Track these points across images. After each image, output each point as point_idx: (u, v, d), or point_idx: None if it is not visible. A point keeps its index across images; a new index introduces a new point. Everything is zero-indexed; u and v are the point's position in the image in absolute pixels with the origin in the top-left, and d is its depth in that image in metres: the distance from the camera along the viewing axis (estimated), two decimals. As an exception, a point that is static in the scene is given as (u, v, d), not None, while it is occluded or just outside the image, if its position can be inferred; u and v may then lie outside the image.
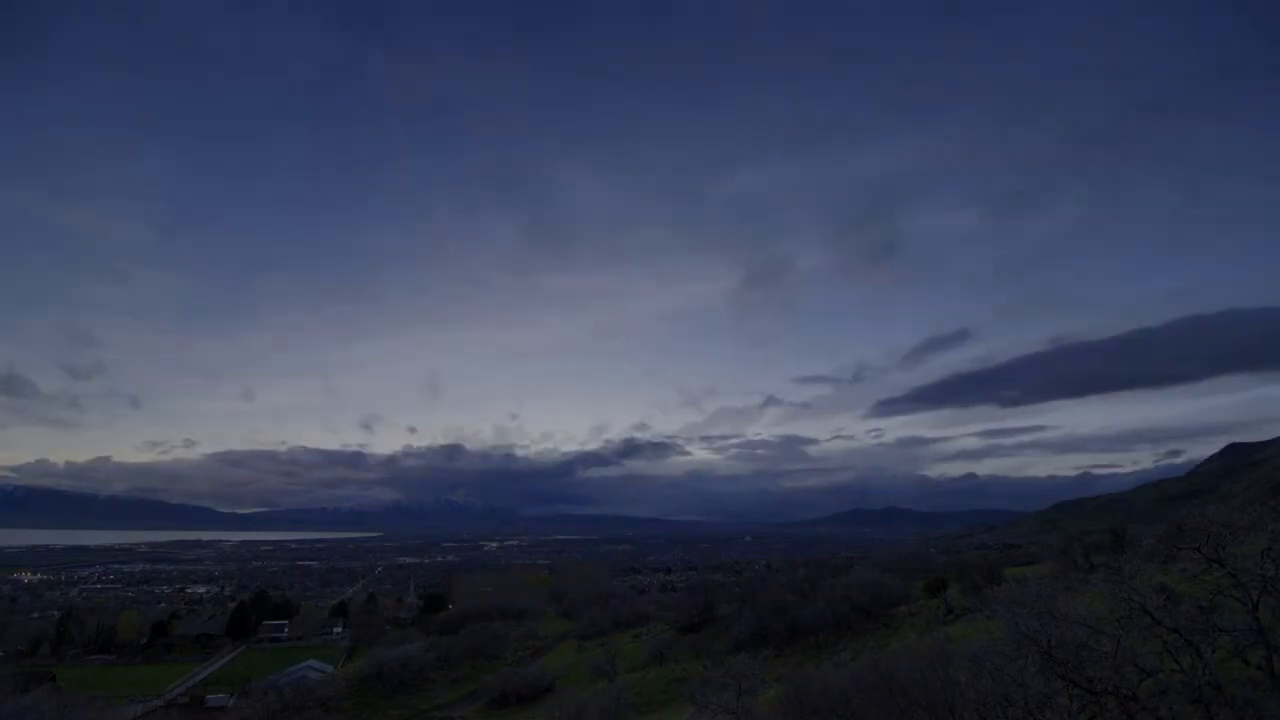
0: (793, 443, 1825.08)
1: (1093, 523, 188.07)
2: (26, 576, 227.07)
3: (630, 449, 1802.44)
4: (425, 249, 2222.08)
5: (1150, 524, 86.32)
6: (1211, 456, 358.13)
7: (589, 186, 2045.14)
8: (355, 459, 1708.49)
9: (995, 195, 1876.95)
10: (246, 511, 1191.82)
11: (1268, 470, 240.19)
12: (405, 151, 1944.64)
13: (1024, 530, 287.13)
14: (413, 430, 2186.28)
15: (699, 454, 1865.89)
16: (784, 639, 53.56)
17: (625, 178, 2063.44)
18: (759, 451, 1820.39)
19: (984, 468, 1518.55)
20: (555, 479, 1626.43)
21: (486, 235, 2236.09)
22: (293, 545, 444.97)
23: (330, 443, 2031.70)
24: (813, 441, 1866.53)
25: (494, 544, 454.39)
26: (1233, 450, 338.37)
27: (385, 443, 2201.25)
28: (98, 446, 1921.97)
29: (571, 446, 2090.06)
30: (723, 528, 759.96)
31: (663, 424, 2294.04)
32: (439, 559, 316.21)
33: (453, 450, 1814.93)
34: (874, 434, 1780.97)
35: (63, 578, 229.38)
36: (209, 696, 75.22)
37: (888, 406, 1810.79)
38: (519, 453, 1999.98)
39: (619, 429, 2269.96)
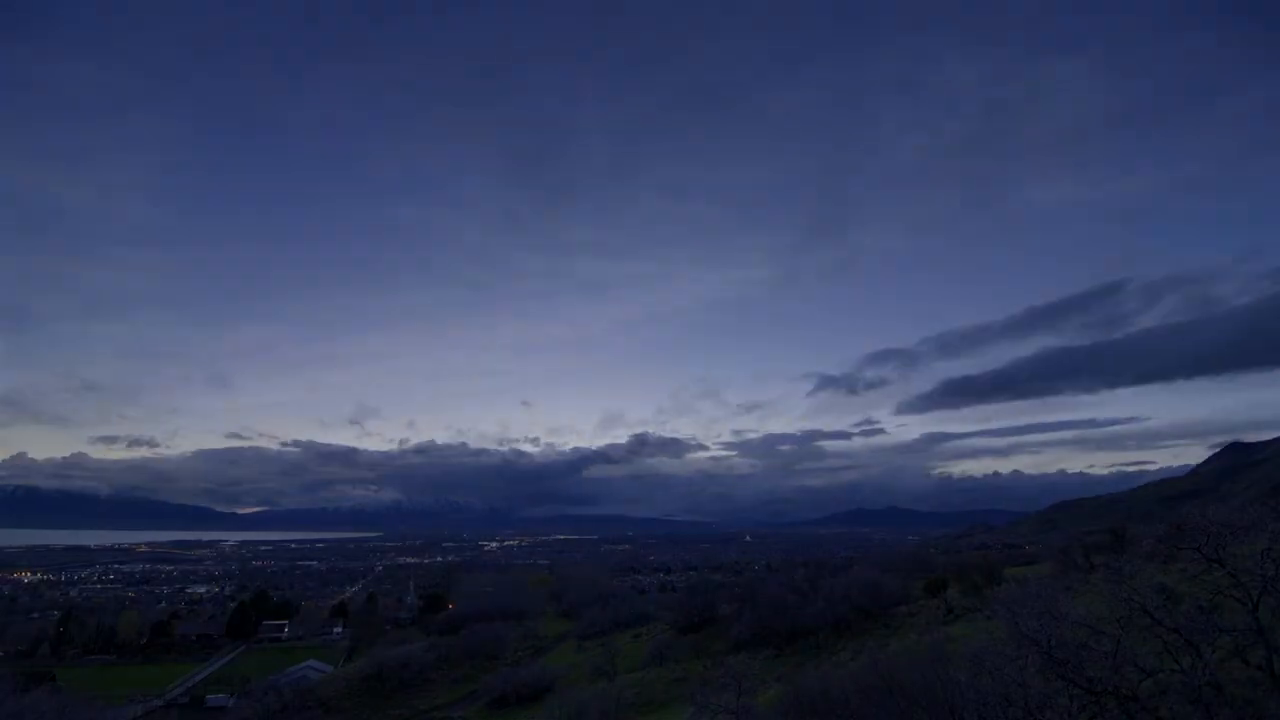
0: (811, 438, 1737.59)
1: (1092, 523, 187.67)
2: (26, 576, 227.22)
3: (640, 446, 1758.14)
4: (426, 237, 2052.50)
5: (1150, 524, 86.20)
6: (1211, 456, 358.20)
7: (616, 162, 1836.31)
8: (354, 457, 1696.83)
9: (1106, 154, 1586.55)
10: (246, 511, 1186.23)
11: (1268, 470, 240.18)
12: (404, 134, 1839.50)
13: (1024, 530, 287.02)
14: (412, 426, 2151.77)
15: (714, 450, 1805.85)
16: (784, 639, 53.48)
17: (653, 152, 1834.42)
18: (779, 447, 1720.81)
19: (1008, 464, 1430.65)
20: (559, 478, 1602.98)
21: (494, 220, 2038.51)
22: (293, 545, 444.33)
23: (328, 440, 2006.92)
24: (835, 436, 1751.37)
25: (494, 544, 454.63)
26: (1233, 450, 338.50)
27: (385, 440, 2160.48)
28: (81, 443, 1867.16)
29: (579, 444, 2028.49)
30: (725, 527, 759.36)
31: (679, 419, 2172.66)
32: (439, 559, 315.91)
33: (454, 449, 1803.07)
34: (901, 428, 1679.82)
35: (63, 578, 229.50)
36: (209, 697, 75.39)
37: (925, 401, 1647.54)
38: (523, 449, 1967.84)
39: (631, 425, 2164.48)
